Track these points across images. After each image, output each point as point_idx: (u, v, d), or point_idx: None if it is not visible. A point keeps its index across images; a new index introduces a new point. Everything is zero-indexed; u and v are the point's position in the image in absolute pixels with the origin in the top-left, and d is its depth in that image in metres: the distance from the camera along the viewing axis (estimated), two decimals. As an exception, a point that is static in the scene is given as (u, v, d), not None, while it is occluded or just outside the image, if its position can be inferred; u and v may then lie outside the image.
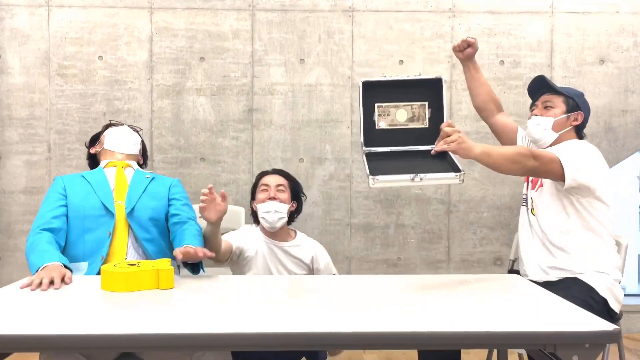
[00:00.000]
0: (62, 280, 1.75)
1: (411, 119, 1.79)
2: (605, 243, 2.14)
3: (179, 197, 2.33)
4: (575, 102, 2.22)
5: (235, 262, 2.33)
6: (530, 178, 2.28)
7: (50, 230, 2.08)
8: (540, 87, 2.31)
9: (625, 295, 3.86)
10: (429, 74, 3.32)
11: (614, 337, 1.27)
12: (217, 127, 3.31)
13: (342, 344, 1.29)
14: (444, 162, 1.71)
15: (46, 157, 3.27)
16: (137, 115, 3.28)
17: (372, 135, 1.79)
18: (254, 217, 2.42)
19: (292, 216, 2.44)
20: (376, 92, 1.81)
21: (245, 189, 3.31)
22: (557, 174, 2.02)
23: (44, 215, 2.13)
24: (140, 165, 2.45)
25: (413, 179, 1.51)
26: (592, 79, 3.37)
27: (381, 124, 1.79)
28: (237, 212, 2.89)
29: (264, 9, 3.30)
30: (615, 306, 2.12)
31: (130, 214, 2.19)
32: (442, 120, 1.77)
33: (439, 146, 1.70)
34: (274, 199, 2.32)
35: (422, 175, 1.50)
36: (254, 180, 2.52)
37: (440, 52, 3.33)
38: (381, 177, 1.51)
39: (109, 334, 1.24)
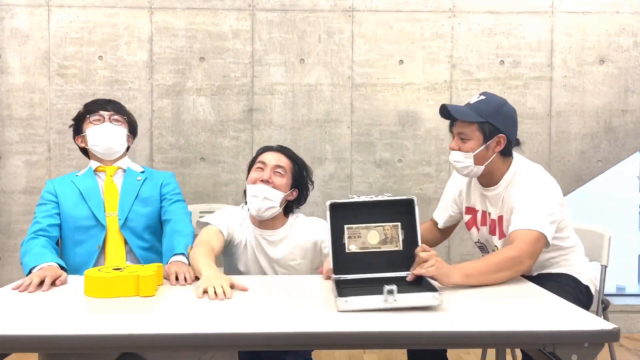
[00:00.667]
0: (54, 282, 1.70)
1: (384, 241, 1.68)
2: (572, 252, 2.10)
3: (169, 195, 2.23)
4: (492, 125, 1.93)
5: (225, 250, 2.10)
6: (487, 224, 2.08)
7: (46, 237, 2.04)
8: (447, 118, 2.02)
9: (625, 295, 3.87)
10: (429, 74, 3.32)
11: (613, 336, 1.26)
12: (217, 127, 3.31)
13: (341, 344, 1.29)
14: (419, 284, 1.59)
15: (46, 157, 3.27)
16: (137, 115, 3.26)
17: (342, 258, 1.66)
18: (245, 197, 2.11)
19: (290, 206, 2.11)
20: (345, 213, 1.70)
21: (245, 189, 3.31)
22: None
23: (40, 221, 2.08)
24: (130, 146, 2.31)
25: (386, 300, 1.37)
26: (592, 79, 3.36)
27: (352, 246, 1.68)
28: (237, 212, 2.89)
29: (264, 8, 3.30)
30: (594, 291, 2.12)
31: (124, 225, 2.13)
32: (416, 242, 1.67)
33: (416, 271, 1.60)
34: (266, 182, 2.00)
35: (396, 296, 1.37)
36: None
37: (440, 52, 3.33)
38: (351, 299, 1.37)
39: (110, 334, 1.24)
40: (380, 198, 1.72)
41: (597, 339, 1.26)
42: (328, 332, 1.27)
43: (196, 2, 3.28)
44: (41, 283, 1.67)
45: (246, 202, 2.07)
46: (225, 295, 1.54)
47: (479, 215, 2.11)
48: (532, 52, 3.35)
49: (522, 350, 1.87)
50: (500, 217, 2.01)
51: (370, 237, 1.68)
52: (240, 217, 2.11)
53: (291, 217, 2.12)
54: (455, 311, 1.41)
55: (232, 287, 1.61)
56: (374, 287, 1.46)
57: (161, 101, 3.29)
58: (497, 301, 1.54)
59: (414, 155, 3.35)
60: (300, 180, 2.09)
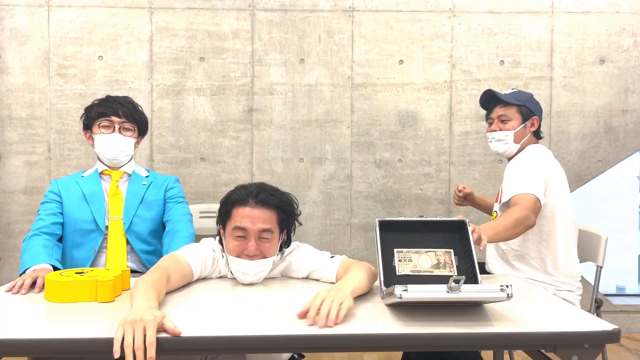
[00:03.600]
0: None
1: (436, 266, 1.57)
2: (561, 249, 2.18)
3: (172, 199, 2.26)
4: (528, 109, 2.26)
5: None
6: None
7: (49, 234, 2.05)
8: (490, 100, 2.33)
9: (625, 295, 3.87)
10: (429, 74, 3.32)
11: (614, 337, 1.25)
12: (217, 127, 3.31)
13: (340, 346, 1.28)
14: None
15: (46, 157, 3.27)
16: (137, 115, 3.27)
17: (393, 280, 1.52)
18: (222, 245, 1.77)
19: (280, 248, 1.77)
20: (394, 233, 1.60)
21: (245, 189, 3.31)
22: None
23: (43, 219, 2.09)
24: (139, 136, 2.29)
25: (450, 290, 1.27)
26: (592, 78, 3.36)
27: (402, 269, 1.56)
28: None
29: (264, 8, 3.30)
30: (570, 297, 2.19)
31: (129, 229, 2.14)
32: (472, 264, 1.55)
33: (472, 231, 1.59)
34: (253, 257, 1.67)
35: (462, 287, 1.27)
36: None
37: (440, 52, 3.33)
38: (412, 287, 1.27)
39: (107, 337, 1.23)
40: (430, 219, 1.64)
41: (598, 340, 1.25)
42: (329, 335, 1.27)
43: (196, 2, 3.28)
44: (34, 284, 1.65)
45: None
46: (140, 343, 1.17)
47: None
48: (532, 52, 3.34)
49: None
50: (502, 188, 2.26)
51: (422, 261, 1.59)
52: (215, 261, 1.78)
53: (276, 258, 1.78)
54: (454, 312, 1.41)
55: (160, 329, 1.23)
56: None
57: (161, 101, 3.29)
58: (496, 302, 1.53)
59: (414, 155, 3.34)
60: (289, 223, 1.75)
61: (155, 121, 3.29)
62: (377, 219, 1.60)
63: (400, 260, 1.57)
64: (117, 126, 2.18)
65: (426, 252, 1.59)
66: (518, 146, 2.26)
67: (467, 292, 1.28)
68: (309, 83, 3.31)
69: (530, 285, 1.78)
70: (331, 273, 1.74)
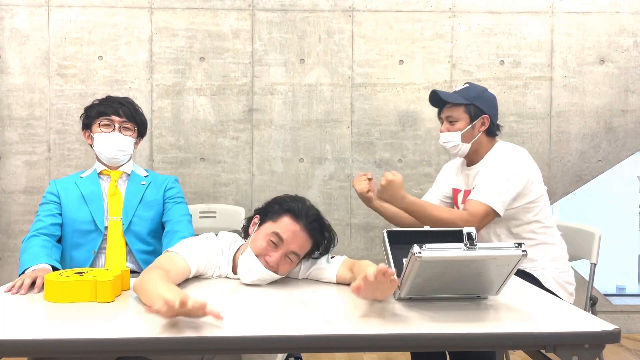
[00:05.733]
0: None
1: None
2: (548, 238, 2.17)
3: (172, 200, 2.24)
4: (477, 107, 2.16)
5: None
6: (460, 193, 2.28)
7: (48, 235, 2.03)
8: (438, 100, 2.23)
9: (625, 295, 3.87)
10: (429, 74, 3.32)
11: (614, 337, 1.24)
12: (217, 127, 3.30)
13: (340, 346, 1.27)
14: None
15: (46, 157, 3.26)
16: (137, 115, 3.27)
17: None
18: (244, 232, 1.78)
19: None
20: (401, 244, 1.56)
21: (245, 189, 3.31)
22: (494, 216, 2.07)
23: (42, 219, 2.08)
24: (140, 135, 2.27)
25: (467, 246, 1.27)
26: (592, 79, 3.36)
27: None
28: (237, 212, 2.89)
29: (264, 8, 3.30)
30: (566, 297, 2.13)
31: (128, 229, 2.12)
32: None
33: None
34: (271, 267, 1.64)
35: (478, 244, 1.26)
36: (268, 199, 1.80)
37: (440, 52, 3.33)
38: (430, 247, 1.26)
39: (108, 338, 1.22)
40: (437, 229, 1.62)
41: (598, 340, 1.25)
42: (331, 335, 1.26)
43: (196, 2, 3.28)
44: (33, 284, 1.63)
45: (245, 236, 1.77)
46: (199, 311, 1.21)
47: (460, 195, 2.28)
48: (532, 52, 3.34)
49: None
50: (468, 191, 2.20)
51: None
52: (218, 261, 1.74)
53: None
54: (455, 313, 1.41)
55: (204, 313, 1.24)
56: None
57: (161, 101, 3.29)
58: (496, 302, 1.53)
59: (414, 155, 3.34)
60: (315, 253, 1.71)
61: (155, 121, 3.28)
62: (384, 230, 1.58)
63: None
64: (117, 125, 2.16)
65: None
66: (469, 145, 2.18)
67: (483, 248, 1.29)
68: (309, 83, 3.31)
69: (528, 285, 1.78)
70: (332, 273, 1.72)
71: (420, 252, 1.27)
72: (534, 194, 2.12)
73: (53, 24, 3.24)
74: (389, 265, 1.51)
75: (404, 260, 1.47)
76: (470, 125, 2.17)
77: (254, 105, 3.31)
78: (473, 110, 2.16)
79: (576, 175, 3.38)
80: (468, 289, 1.48)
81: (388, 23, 3.32)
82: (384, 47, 3.33)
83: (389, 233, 1.57)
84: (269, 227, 1.64)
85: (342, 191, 3.33)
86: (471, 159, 2.24)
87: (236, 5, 3.29)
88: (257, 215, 1.73)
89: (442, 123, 2.24)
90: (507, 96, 3.32)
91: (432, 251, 1.28)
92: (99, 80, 3.26)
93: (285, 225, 1.63)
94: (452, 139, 2.19)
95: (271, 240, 1.62)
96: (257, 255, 1.64)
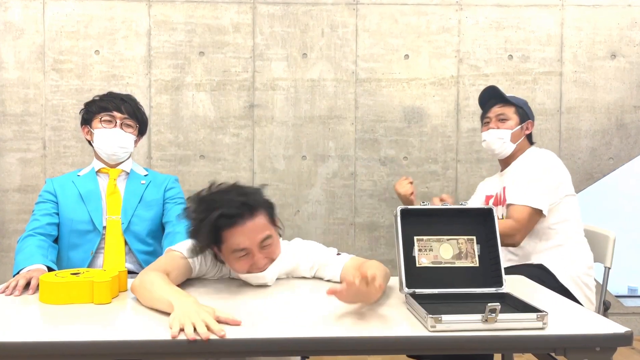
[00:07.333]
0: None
1: (458, 256, 1.53)
2: (569, 241, 2.18)
3: (172, 200, 2.21)
4: (525, 111, 2.27)
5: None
6: (492, 199, 2.32)
7: (44, 235, 2.01)
8: (490, 98, 2.32)
9: (638, 296, 3.79)
10: (436, 69, 3.24)
11: (626, 340, 1.21)
12: (217, 123, 3.23)
13: (340, 349, 1.23)
14: (515, 301, 1.43)
15: (41, 154, 3.19)
16: (135, 111, 3.19)
17: (413, 272, 1.49)
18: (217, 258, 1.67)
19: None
20: (415, 221, 1.54)
21: (246, 187, 3.23)
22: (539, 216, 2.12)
23: (38, 219, 2.05)
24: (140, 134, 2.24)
25: (486, 320, 1.22)
26: (603, 74, 3.28)
27: (423, 260, 1.53)
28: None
29: (265, 2, 3.21)
30: (584, 300, 2.09)
31: (127, 229, 2.09)
32: (496, 257, 1.51)
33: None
34: (264, 266, 1.60)
35: (498, 316, 1.22)
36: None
37: (447, 46, 3.25)
38: (446, 318, 1.22)
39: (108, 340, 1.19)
40: (453, 206, 1.59)
41: (610, 343, 1.22)
42: (333, 338, 1.22)
43: (195, -6, 3.20)
44: (28, 285, 1.62)
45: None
46: (209, 332, 1.18)
47: (491, 201, 2.32)
48: (542, 47, 3.26)
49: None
50: (504, 188, 2.24)
51: (442, 250, 1.55)
52: (214, 265, 1.72)
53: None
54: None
55: (217, 320, 1.23)
56: (458, 304, 1.39)
57: (159, 97, 3.21)
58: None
59: (420, 152, 3.26)
60: (273, 213, 1.64)
61: (153, 117, 3.20)
62: (398, 207, 1.56)
63: (420, 250, 1.54)
64: (118, 121, 2.14)
65: (448, 239, 1.55)
66: (514, 146, 2.25)
67: (503, 321, 1.24)
68: (312, 78, 3.23)
69: (537, 286, 1.73)
70: (336, 271, 1.66)
71: (438, 325, 1.22)
72: (563, 192, 2.16)
73: (48, 18, 3.16)
74: (397, 246, 1.50)
75: (415, 239, 1.51)
76: (519, 126, 2.25)
77: (255, 101, 3.23)
78: (522, 113, 2.26)
79: (587, 173, 3.30)
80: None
81: (393, 16, 3.24)
82: (389, 41, 3.24)
83: (403, 211, 1.54)
84: (226, 250, 1.56)
85: (346, 189, 3.25)
86: (506, 162, 2.31)
87: (237, -2, 3.21)
88: (212, 245, 1.60)
89: (486, 123, 2.31)
90: (516, 92, 3.24)
91: (448, 324, 1.22)
92: (96, 75, 3.18)
93: (232, 237, 1.53)
94: (503, 135, 2.24)
95: (240, 256, 1.56)
96: (247, 272, 1.60)
